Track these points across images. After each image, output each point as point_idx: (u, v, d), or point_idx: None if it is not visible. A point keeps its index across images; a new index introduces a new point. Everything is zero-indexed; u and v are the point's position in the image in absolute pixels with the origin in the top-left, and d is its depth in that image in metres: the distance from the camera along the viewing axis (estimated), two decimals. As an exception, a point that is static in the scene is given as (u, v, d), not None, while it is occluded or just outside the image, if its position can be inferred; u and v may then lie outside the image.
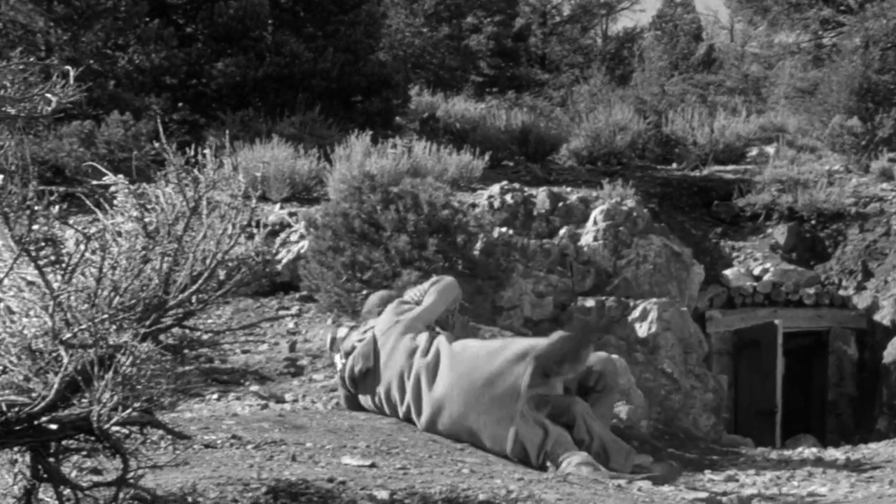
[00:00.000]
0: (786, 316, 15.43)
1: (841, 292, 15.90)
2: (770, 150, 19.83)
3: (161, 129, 3.76)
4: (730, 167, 19.37)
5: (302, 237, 12.03)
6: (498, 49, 33.80)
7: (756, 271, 16.01)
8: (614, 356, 6.41)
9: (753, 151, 20.25)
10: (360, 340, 6.20)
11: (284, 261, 11.74)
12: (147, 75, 18.86)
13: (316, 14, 20.75)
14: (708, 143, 19.78)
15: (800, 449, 11.36)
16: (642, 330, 11.79)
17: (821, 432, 14.95)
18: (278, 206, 13.58)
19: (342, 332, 6.45)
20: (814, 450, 11.27)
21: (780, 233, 16.72)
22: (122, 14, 18.65)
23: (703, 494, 4.51)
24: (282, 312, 10.94)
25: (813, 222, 16.84)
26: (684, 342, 11.95)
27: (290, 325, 10.55)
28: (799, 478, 8.90)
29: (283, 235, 12.43)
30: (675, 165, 19.69)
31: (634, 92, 26.15)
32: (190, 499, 3.40)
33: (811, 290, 15.73)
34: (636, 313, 11.88)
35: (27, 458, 2.97)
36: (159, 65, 18.81)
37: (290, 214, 12.94)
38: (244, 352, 9.52)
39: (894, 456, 9.05)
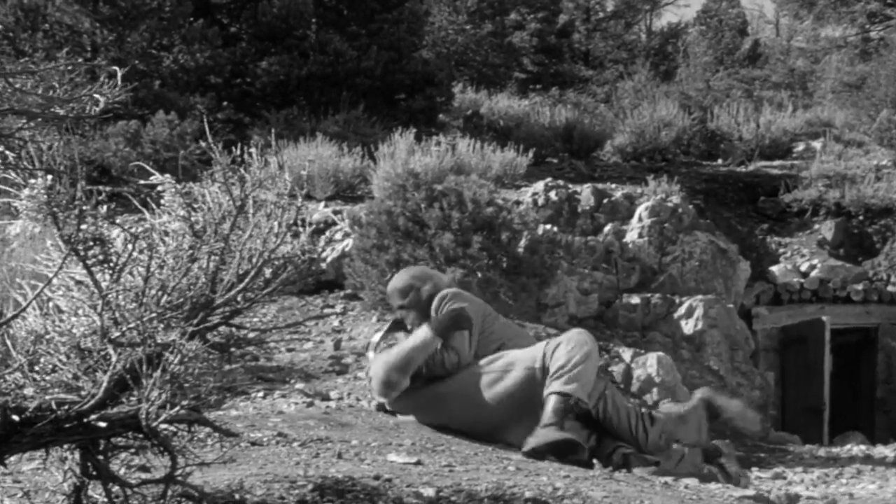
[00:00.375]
0: (833, 312, 15.31)
1: (889, 288, 15.74)
2: (817, 145, 19.65)
3: (207, 129, 3.78)
4: (776, 162, 19.22)
5: (346, 235, 12.06)
6: (541, 46, 33.72)
7: (803, 267, 15.88)
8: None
9: (800, 146, 20.08)
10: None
11: (329, 259, 11.78)
12: (192, 75, 18.97)
13: (359, 12, 20.79)
14: (754, 139, 19.65)
15: (848, 446, 11.27)
16: (688, 327, 11.74)
17: (869, 430, 14.80)
18: (322, 204, 13.62)
19: (376, 337, 6.45)
20: (862, 447, 11.18)
21: (827, 228, 16.57)
22: (167, 14, 18.76)
23: (751, 492, 4.48)
24: (327, 311, 10.97)
25: (860, 218, 16.67)
26: (730, 339, 11.89)
27: (335, 323, 10.58)
28: (847, 475, 8.83)
29: (327, 234, 12.46)
30: (720, 161, 19.57)
31: (679, 87, 26.03)
32: (237, 496, 3.42)
33: (859, 287, 15.59)
34: (682, 310, 11.83)
35: (77, 455, 3.00)
36: (204, 64, 18.90)
37: (335, 213, 12.98)
38: (289, 350, 9.56)
39: (944, 453, 8.96)
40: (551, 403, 5.46)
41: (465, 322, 5.78)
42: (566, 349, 5.63)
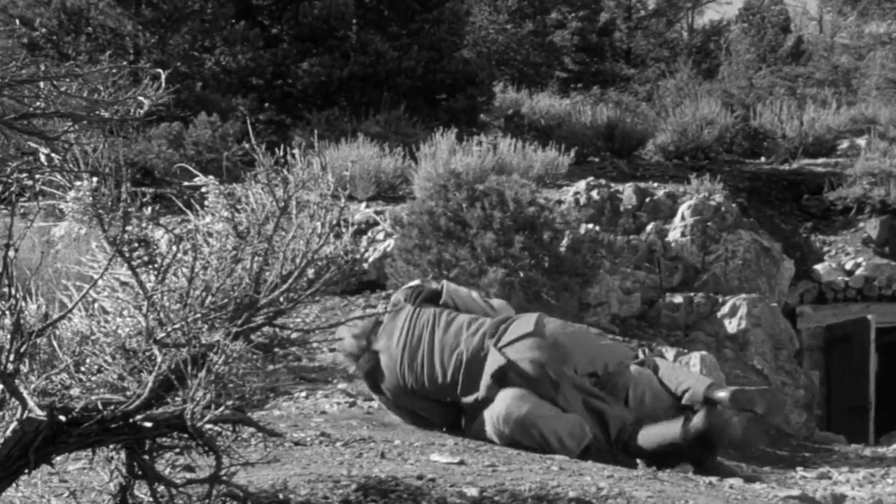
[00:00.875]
0: (879, 311, 15.16)
1: (936, 286, 15.59)
2: (861, 142, 19.47)
3: (250, 130, 3.80)
4: (820, 160, 19.07)
5: (388, 236, 12.08)
6: (582, 44, 33.62)
7: (848, 266, 15.75)
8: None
9: (844, 144, 19.91)
10: None
11: (371, 259, 11.80)
12: (233, 76, 19.08)
13: (400, 13, 20.82)
14: (797, 136, 19.50)
15: (894, 446, 11.16)
16: (731, 326, 11.66)
17: (915, 429, 14.68)
18: (364, 204, 13.64)
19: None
20: (908, 447, 11.08)
21: (872, 226, 16.41)
22: (209, 16, 18.87)
23: (796, 492, 4.45)
24: (369, 311, 10.98)
25: (906, 215, 16.52)
26: (774, 338, 11.80)
27: (378, 323, 10.58)
28: (893, 475, 8.74)
29: (369, 234, 12.48)
30: (763, 159, 19.44)
31: (721, 85, 25.89)
32: (281, 495, 3.43)
33: (904, 285, 15.45)
34: (725, 309, 11.76)
35: (122, 455, 3.02)
36: (245, 66, 19.00)
37: (377, 213, 13.00)
38: (332, 350, 9.57)
39: None
40: None
41: None
42: None
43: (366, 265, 11.69)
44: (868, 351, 14.63)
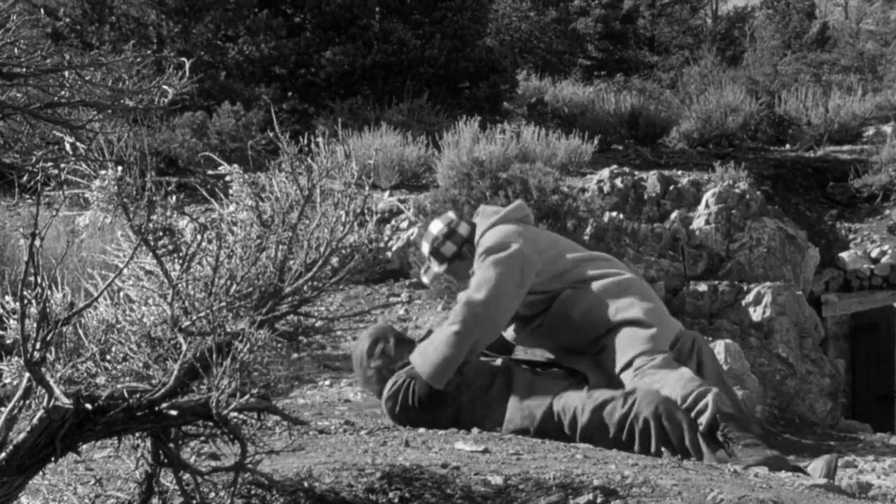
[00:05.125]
0: (904, 299, 15.13)
1: (961, 274, 15.51)
2: (887, 129, 19.37)
3: (274, 118, 3.80)
4: (845, 147, 18.99)
5: (411, 224, 12.08)
6: (606, 32, 33.53)
7: (874, 253, 15.68)
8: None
9: (870, 131, 19.82)
10: None
11: (394, 248, 11.81)
12: (257, 66, 19.11)
13: (423, 1, 20.81)
14: (822, 124, 19.42)
15: (920, 434, 11.12)
16: (756, 314, 11.62)
17: (942, 417, 14.62)
18: (387, 193, 13.65)
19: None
20: (935, 435, 11.03)
21: (898, 214, 16.36)
22: (232, 5, 18.91)
23: (822, 481, 4.42)
24: (392, 299, 11.00)
25: (932, 202, 16.45)
26: (799, 326, 11.76)
27: (401, 311, 10.61)
28: (920, 464, 8.71)
29: (392, 223, 12.49)
30: (788, 146, 19.36)
31: (746, 72, 25.76)
32: (306, 484, 3.44)
33: (931, 273, 15.37)
34: (750, 297, 11.72)
35: (148, 443, 3.03)
36: (269, 55, 19.03)
37: (400, 201, 13.01)
38: (355, 338, 9.59)
39: None
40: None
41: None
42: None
43: (389, 254, 11.70)
44: (894, 339, 14.58)
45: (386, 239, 11.91)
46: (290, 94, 19.77)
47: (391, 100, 18.74)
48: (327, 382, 7.86)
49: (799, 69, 27.44)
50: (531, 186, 10.25)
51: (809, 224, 15.91)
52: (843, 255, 15.62)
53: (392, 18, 20.44)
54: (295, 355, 3.37)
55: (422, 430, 5.09)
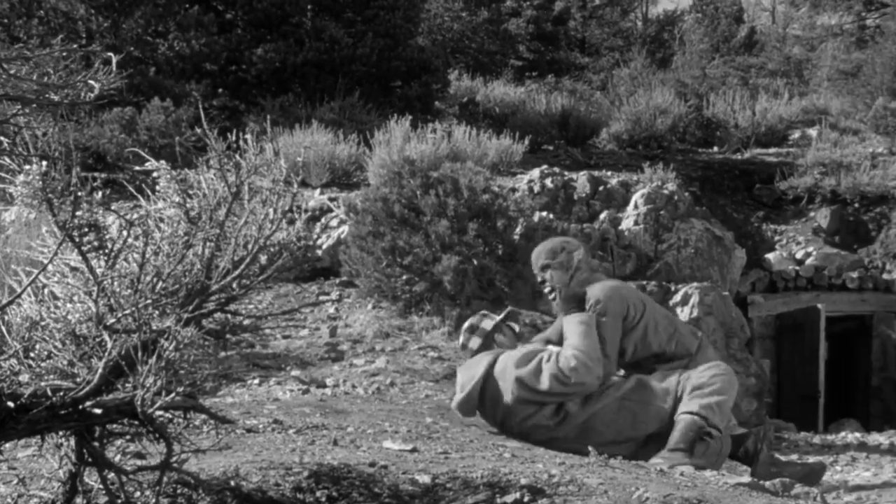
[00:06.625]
0: (829, 300, 15.33)
1: (885, 276, 15.76)
2: (813, 132, 19.66)
3: (202, 115, 3.77)
4: (772, 150, 19.24)
5: (342, 222, 12.06)
6: (537, 33, 33.64)
7: (799, 255, 15.90)
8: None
9: (796, 134, 20.10)
10: None
11: (325, 246, 11.78)
12: (187, 62, 18.95)
13: (355, -1, 20.76)
14: (750, 126, 19.66)
15: (843, 434, 11.30)
16: (684, 314, 11.73)
17: (864, 417, 14.84)
18: (318, 191, 13.61)
19: (487, 324, 6.19)
20: (857, 434, 11.22)
21: (822, 216, 16.58)
22: (162, 1, 18.74)
23: (746, 479, 4.48)
24: (322, 298, 10.97)
25: (856, 205, 16.69)
26: (726, 326, 11.88)
27: (331, 310, 10.58)
28: (842, 462, 8.86)
29: (323, 221, 12.45)
30: (716, 149, 19.58)
31: (675, 75, 26.02)
32: (233, 483, 3.42)
33: (854, 274, 15.59)
34: (677, 297, 11.82)
35: (72, 442, 3.00)
36: (199, 51, 18.88)
37: (331, 199, 12.97)
38: (285, 337, 9.55)
39: (939, 441, 8.98)
40: (682, 425, 5.40)
41: None
42: (708, 373, 5.60)
43: (319, 252, 11.67)
44: (818, 340, 14.78)
45: (316, 237, 11.87)
46: (220, 90, 19.62)
47: (322, 98, 18.67)
48: (256, 381, 7.82)
49: (727, 72, 27.80)
50: (462, 186, 10.27)
51: (736, 225, 16.10)
52: (769, 256, 15.82)
53: (324, 16, 20.35)
54: (223, 353, 3.35)
55: (350, 428, 5.08)
